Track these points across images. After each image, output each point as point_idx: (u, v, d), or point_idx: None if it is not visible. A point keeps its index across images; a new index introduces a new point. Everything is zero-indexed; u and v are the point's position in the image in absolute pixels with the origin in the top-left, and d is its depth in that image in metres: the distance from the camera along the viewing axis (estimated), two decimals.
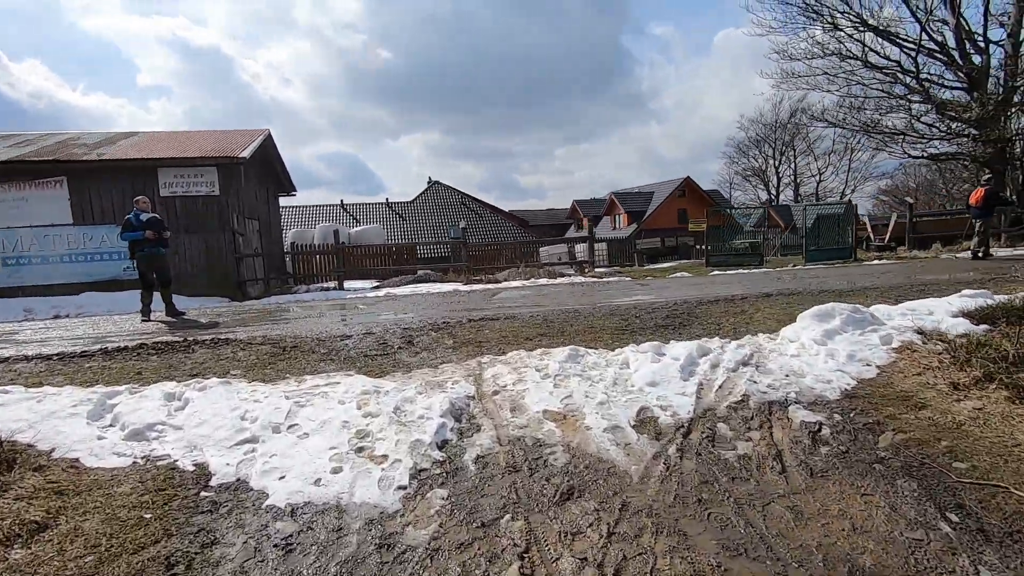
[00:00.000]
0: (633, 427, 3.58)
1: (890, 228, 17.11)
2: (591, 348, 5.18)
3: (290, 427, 3.68)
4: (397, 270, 16.11)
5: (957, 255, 13.76)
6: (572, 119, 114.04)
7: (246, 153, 13.81)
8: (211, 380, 4.46)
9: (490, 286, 12.14)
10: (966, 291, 5.66)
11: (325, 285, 14.82)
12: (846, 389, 3.92)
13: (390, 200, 39.58)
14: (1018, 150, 21.43)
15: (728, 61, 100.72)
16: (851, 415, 3.54)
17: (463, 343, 5.78)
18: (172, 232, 9.89)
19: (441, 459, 3.30)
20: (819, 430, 3.36)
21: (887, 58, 20.88)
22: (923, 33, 19.98)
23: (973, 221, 12.27)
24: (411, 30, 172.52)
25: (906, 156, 23.30)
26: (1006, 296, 5.28)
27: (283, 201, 22.57)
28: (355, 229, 22.78)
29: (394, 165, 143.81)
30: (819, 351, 4.52)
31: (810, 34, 21.99)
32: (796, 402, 3.79)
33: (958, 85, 20.39)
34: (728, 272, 12.46)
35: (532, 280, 12.51)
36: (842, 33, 21.10)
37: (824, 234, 15.12)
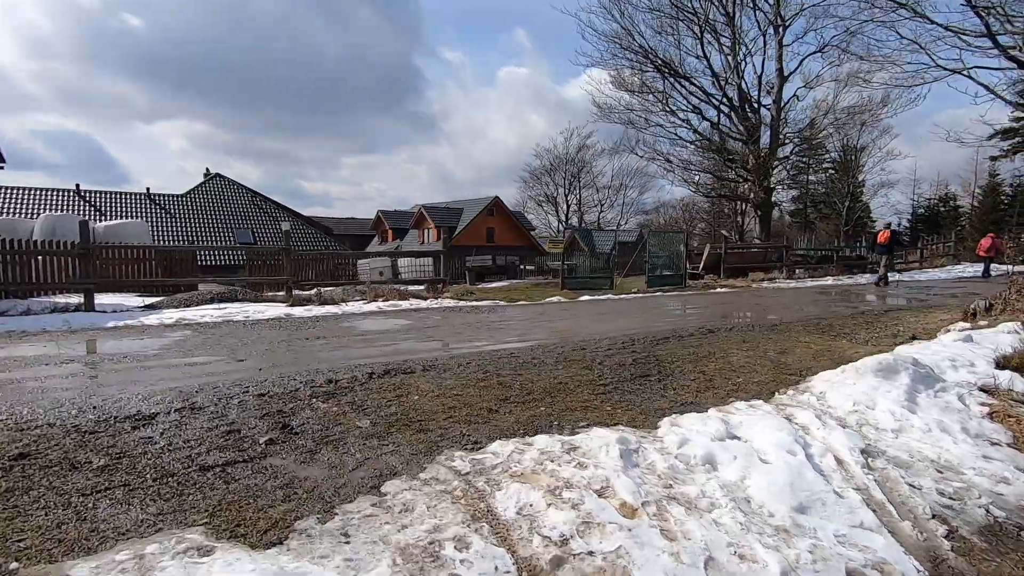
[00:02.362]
0: None
1: (704, 258, 18.65)
2: (622, 427, 3.30)
3: None
4: (173, 283, 11.85)
5: (768, 282, 15.32)
6: (360, 130, 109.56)
7: None
8: None
9: (331, 309, 9.27)
10: (952, 329, 5.29)
11: (60, 301, 10.00)
12: None
13: (152, 192, 31.64)
14: (778, 196, 25.92)
15: (511, 95, 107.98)
16: None
17: (390, 424, 3.38)
18: None
19: None
20: None
21: (692, 106, 23.39)
22: (723, 91, 22.84)
23: (878, 256, 15.60)
24: (172, 2, 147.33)
25: (699, 192, 26.46)
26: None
27: None
28: (107, 223, 16.83)
29: (148, 154, 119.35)
30: (930, 426, 3.37)
31: (624, 75, 23.60)
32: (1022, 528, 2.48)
33: (741, 137, 23.75)
34: (597, 297, 11.66)
35: (386, 302, 9.96)
36: (650, 74, 23.07)
37: (662, 261, 15.61)
